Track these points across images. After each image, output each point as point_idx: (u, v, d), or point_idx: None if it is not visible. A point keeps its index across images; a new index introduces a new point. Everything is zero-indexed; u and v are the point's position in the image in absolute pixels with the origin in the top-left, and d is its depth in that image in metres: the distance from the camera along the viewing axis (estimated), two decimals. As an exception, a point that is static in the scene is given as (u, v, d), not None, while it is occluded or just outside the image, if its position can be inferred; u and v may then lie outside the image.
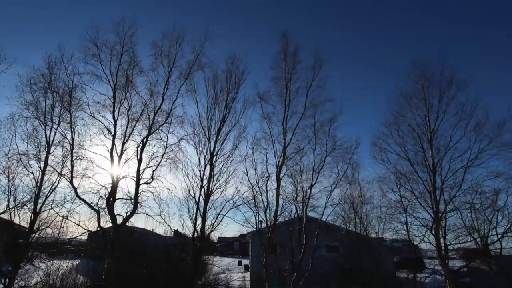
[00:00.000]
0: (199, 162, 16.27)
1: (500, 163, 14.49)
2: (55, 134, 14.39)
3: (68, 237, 15.18)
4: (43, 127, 14.28)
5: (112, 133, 14.78)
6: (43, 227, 14.05)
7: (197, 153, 16.39)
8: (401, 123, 16.50)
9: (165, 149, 15.62)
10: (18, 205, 13.58)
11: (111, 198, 14.28)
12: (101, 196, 14.28)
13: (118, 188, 14.63)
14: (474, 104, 14.92)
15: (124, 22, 15.10)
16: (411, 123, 16.15)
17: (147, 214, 14.98)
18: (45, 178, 14.06)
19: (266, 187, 16.19)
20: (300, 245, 15.35)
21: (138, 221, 16.27)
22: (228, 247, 59.25)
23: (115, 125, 14.84)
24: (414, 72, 16.48)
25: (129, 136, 15.07)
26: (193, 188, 16.04)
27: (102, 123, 14.83)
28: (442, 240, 14.97)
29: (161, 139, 15.71)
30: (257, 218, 16.26)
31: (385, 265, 21.47)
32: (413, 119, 16.17)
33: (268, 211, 15.96)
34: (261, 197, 16.13)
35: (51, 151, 14.27)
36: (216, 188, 16.25)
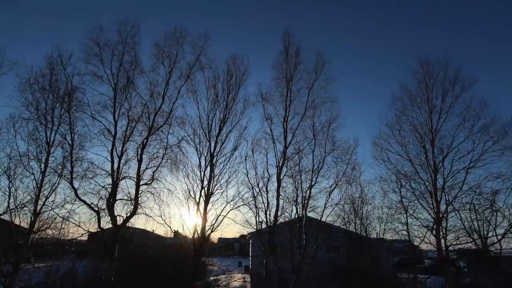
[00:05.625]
0: (200, 163, 16.30)
1: (502, 164, 14.53)
2: (55, 135, 14.37)
3: (68, 238, 15.14)
4: (44, 128, 14.27)
5: (113, 134, 14.77)
6: (43, 228, 14.01)
7: (197, 154, 16.42)
8: (403, 122, 16.56)
9: (166, 150, 15.66)
10: (18, 206, 13.55)
11: (111, 199, 14.27)
12: (101, 197, 14.31)
13: (118, 189, 14.64)
14: (480, 105, 14.99)
15: (126, 22, 15.18)
16: (413, 123, 16.19)
17: (147, 215, 15.03)
18: (45, 179, 14.04)
19: (267, 188, 16.27)
20: (300, 245, 15.34)
21: (138, 222, 16.25)
22: (228, 247, 59.22)
23: (115, 126, 14.84)
24: (418, 72, 16.53)
25: (129, 137, 15.08)
26: (193, 189, 16.07)
27: (103, 124, 14.86)
28: (442, 240, 14.97)
29: (162, 140, 15.75)
30: (257, 218, 16.31)
31: (386, 266, 21.45)
32: (415, 119, 16.21)
33: (268, 211, 16.01)
34: (262, 198, 16.21)
35: (51, 152, 14.24)
36: (217, 189, 16.28)
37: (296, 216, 16.19)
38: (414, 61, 17.47)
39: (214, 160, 16.28)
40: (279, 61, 17.21)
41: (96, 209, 14.10)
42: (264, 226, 16.33)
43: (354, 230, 20.43)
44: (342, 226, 20.47)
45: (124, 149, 14.94)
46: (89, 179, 14.41)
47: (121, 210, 14.80)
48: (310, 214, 16.69)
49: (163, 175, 15.59)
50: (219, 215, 16.05)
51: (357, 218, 20.25)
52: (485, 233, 14.75)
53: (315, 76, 16.91)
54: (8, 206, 13.39)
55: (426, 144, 15.66)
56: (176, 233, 18.13)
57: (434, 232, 14.93)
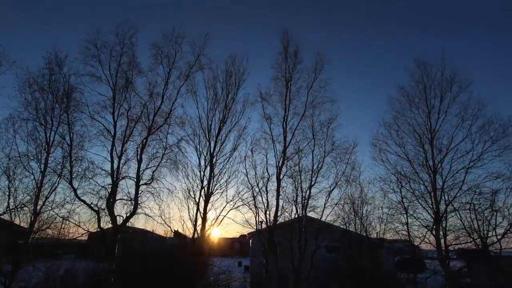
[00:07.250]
0: (199, 162, 16.32)
1: (502, 164, 14.51)
2: (54, 135, 14.35)
3: (68, 238, 15.15)
4: (43, 128, 14.25)
5: (112, 134, 14.78)
6: (43, 228, 14.02)
7: (197, 153, 16.44)
8: (401, 123, 16.53)
9: (165, 150, 15.66)
10: (18, 206, 13.56)
11: (111, 198, 14.28)
12: (101, 197, 14.31)
13: (118, 188, 14.65)
14: (477, 105, 14.96)
15: (124, 23, 15.16)
16: (411, 123, 16.17)
17: (147, 215, 15.04)
18: (45, 179, 14.04)
19: (266, 188, 16.28)
20: (300, 245, 15.33)
21: (138, 222, 16.26)
22: (228, 247, 59.14)
23: (115, 126, 14.84)
24: (416, 72, 16.50)
25: (128, 137, 15.09)
26: (193, 188, 16.09)
27: (102, 124, 14.86)
28: (442, 240, 14.95)
29: (161, 140, 15.75)
30: (257, 218, 16.32)
31: (386, 265, 21.43)
32: (413, 119, 16.20)
33: (268, 211, 16.01)
34: (261, 197, 16.22)
35: (51, 152, 14.24)
36: (216, 189, 16.30)
37: (296, 216, 16.18)
38: (412, 62, 17.44)
39: (214, 160, 16.30)
40: (278, 61, 17.25)
41: (96, 209, 14.11)
42: (264, 226, 16.33)
43: (354, 230, 20.42)
44: (342, 226, 20.45)
45: (123, 149, 14.96)
46: (88, 179, 14.44)
47: (121, 210, 14.83)
48: (310, 214, 16.72)
49: (162, 175, 15.64)
50: (219, 215, 16.08)
51: (357, 218, 20.23)
52: (485, 233, 14.72)
53: (314, 76, 16.94)
54: (8, 206, 13.39)
55: (425, 144, 15.65)
56: (176, 233, 18.12)
57: (434, 232, 14.92)
